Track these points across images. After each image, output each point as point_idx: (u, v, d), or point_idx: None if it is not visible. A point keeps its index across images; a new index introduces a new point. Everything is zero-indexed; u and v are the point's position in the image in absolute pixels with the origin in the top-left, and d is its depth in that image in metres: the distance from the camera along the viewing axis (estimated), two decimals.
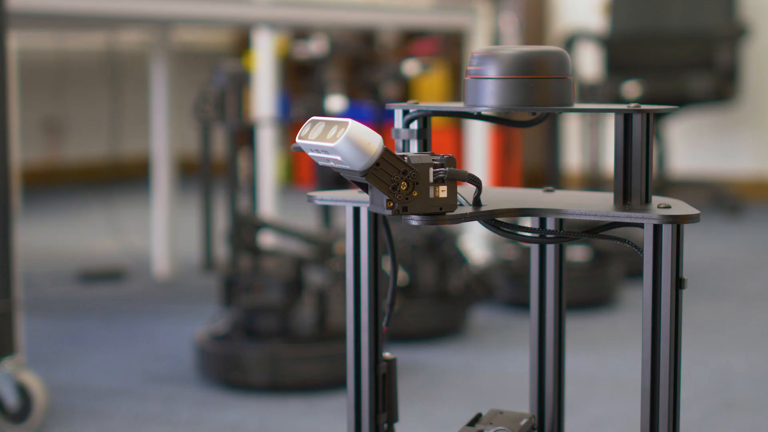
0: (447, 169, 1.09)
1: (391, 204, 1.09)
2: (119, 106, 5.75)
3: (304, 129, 1.12)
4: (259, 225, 2.58)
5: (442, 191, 1.10)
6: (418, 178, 1.09)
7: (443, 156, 1.10)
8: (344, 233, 1.85)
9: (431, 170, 1.09)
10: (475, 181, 1.14)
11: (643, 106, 1.18)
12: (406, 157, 1.08)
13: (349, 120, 1.07)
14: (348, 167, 1.08)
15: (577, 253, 3.34)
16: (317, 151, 1.10)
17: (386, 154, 1.07)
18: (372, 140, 1.06)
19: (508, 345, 2.88)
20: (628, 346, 2.85)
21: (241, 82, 2.54)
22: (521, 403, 1.44)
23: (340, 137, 1.05)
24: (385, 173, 1.08)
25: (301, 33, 5.45)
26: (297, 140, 1.13)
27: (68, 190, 6.25)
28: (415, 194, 1.09)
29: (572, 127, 5.20)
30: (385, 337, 1.66)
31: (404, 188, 1.08)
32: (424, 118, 1.27)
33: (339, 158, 1.07)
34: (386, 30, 6.24)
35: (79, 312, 3.26)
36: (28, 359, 2.45)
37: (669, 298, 1.13)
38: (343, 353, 2.28)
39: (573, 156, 5.20)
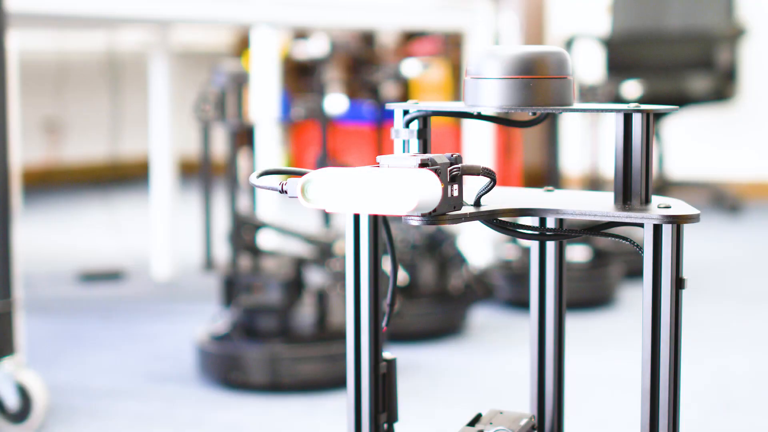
0: (460, 165, 1.09)
1: None
2: (119, 106, 5.75)
3: (311, 191, 1.08)
4: (259, 225, 2.58)
5: (455, 189, 1.10)
6: (441, 177, 1.08)
7: (451, 155, 1.10)
8: (344, 233, 1.85)
9: (448, 169, 1.09)
10: (489, 173, 1.13)
11: (643, 106, 1.18)
12: (429, 160, 1.08)
13: (416, 175, 1.03)
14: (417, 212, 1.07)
15: (577, 253, 3.34)
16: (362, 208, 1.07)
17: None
18: (432, 182, 1.05)
19: (508, 345, 2.88)
20: (628, 346, 2.85)
21: (241, 82, 2.54)
22: (521, 403, 1.44)
23: (412, 201, 1.03)
24: None
25: (301, 33, 5.45)
26: (309, 204, 1.08)
27: (68, 190, 6.25)
28: (442, 186, 1.08)
29: (572, 127, 5.20)
30: (385, 337, 1.66)
31: None
32: (424, 118, 1.27)
33: (406, 214, 1.06)
34: (386, 30, 6.24)
35: (79, 312, 3.26)
36: (28, 359, 2.45)
37: (669, 298, 1.13)
38: (343, 353, 2.29)
39: (573, 156, 5.19)
